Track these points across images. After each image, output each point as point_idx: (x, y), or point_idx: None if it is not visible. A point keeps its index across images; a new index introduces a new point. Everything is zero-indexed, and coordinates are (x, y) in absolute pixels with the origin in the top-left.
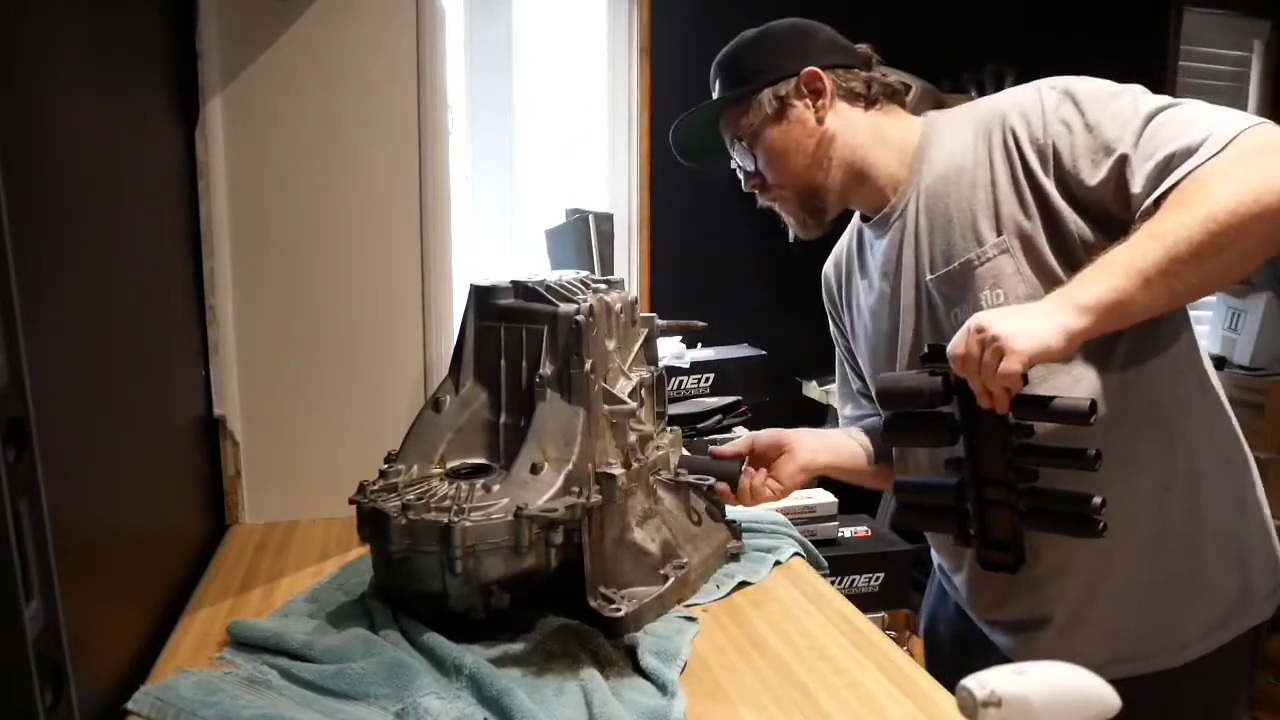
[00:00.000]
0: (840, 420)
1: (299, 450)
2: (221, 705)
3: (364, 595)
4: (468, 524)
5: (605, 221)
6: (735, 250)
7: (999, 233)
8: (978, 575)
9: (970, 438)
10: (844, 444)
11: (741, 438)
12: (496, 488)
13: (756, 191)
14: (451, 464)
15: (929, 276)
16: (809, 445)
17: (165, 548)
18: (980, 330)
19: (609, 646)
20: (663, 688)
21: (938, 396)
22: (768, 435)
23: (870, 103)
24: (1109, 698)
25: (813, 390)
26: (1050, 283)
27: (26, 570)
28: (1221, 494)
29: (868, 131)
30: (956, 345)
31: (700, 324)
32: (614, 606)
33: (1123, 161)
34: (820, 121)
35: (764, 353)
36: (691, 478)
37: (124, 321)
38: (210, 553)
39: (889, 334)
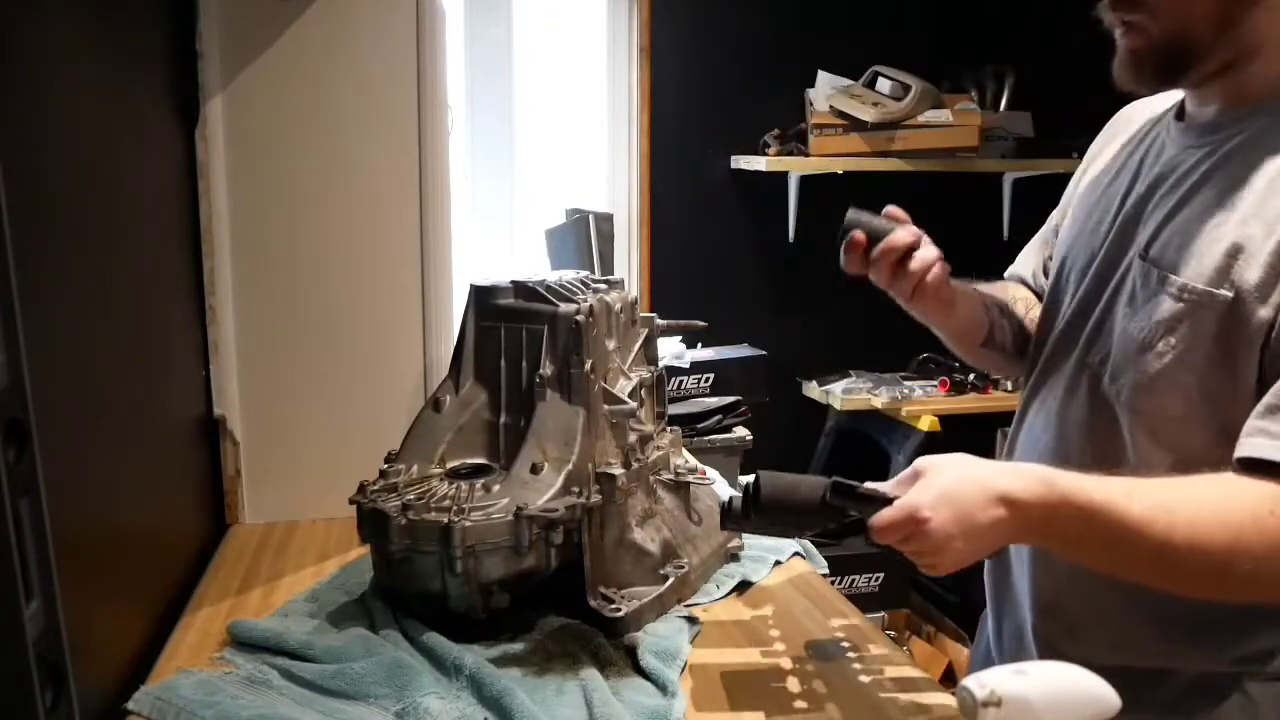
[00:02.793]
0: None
1: (299, 450)
2: (221, 705)
3: (364, 595)
4: (468, 524)
5: (605, 221)
6: (735, 250)
7: (1229, 286)
8: None
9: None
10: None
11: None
12: (496, 488)
13: (1114, 9)
14: (451, 464)
15: (1138, 249)
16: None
17: (165, 548)
18: (919, 523)
19: (609, 646)
20: (663, 688)
21: (827, 521)
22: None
23: None
24: (1109, 698)
25: (813, 390)
26: (1205, 398)
27: (26, 570)
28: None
29: None
30: (884, 529)
31: (700, 324)
32: (614, 606)
33: None
34: None
35: (764, 353)
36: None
37: (124, 321)
38: (210, 553)
39: (1073, 268)
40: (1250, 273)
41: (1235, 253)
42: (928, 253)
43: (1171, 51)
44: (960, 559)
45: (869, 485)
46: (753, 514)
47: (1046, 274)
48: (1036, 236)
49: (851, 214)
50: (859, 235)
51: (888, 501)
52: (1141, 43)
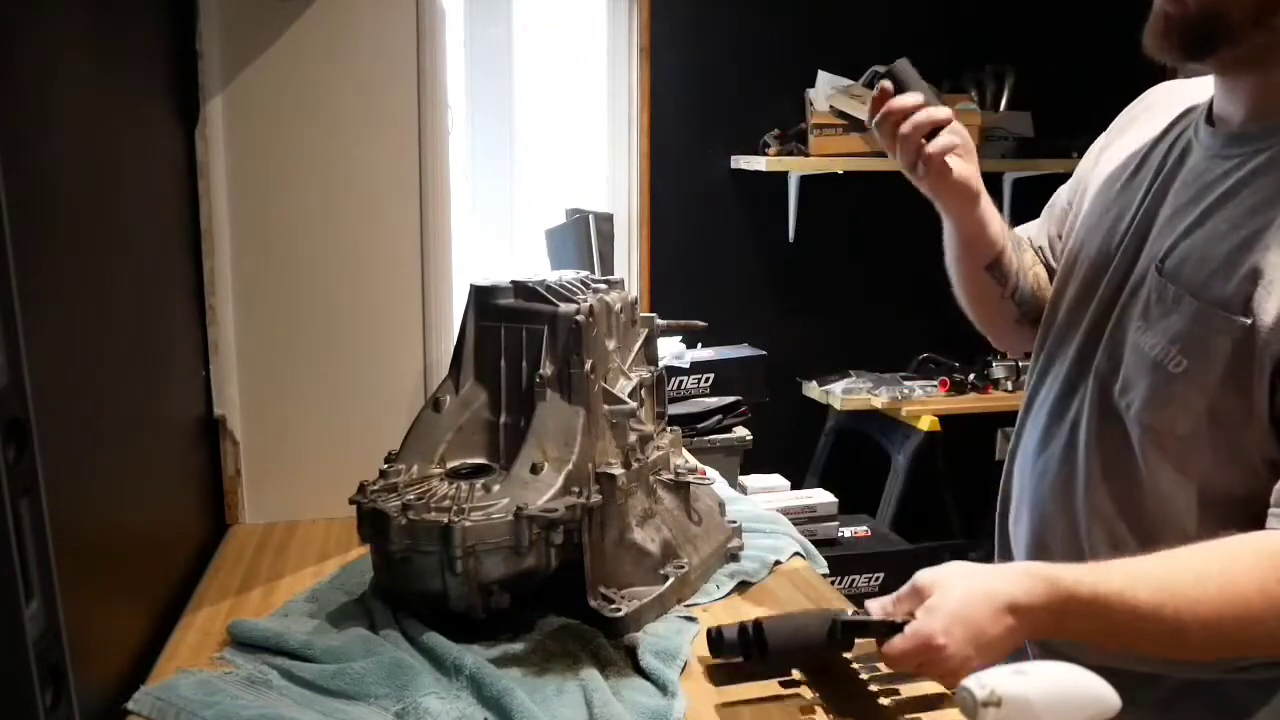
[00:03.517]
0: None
1: (299, 450)
2: (221, 705)
3: (364, 595)
4: (468, 524)
5: (605, 221)
6: (735, 250)
7: (1247, 312)
8: None
9: None
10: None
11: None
12: (496, 488)
13: None
14: (451, 464)
15: (1154, 259)
16: None
17: (165, 548)
18: (935, 650)
19: (609, 646)
20: (663, 688)
21: (835, 654)
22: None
23: None
24: (1109, 697)
25: (813, 390)
26: (1213, 419)
27: (26, 570)
28: None
29: None
30: (900, 659)
31: (700, 324)
32: (614, 606)
33: None
34: None
35: (764, 353)
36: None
37: (124, 321)
38: (210, 553)
39: (1086, 261)
40: (1270, 301)
41: (1255, 278)
42: (947, 124)
43: (1203, 25)
44: (977, 666)
45: (871, 607)
46: (755, 655)
47: (1053, 251)
48: (1043, 212)
49: (899, 63)
50: (886, 85)
51: (897, 626)
52: (1177, 9)
